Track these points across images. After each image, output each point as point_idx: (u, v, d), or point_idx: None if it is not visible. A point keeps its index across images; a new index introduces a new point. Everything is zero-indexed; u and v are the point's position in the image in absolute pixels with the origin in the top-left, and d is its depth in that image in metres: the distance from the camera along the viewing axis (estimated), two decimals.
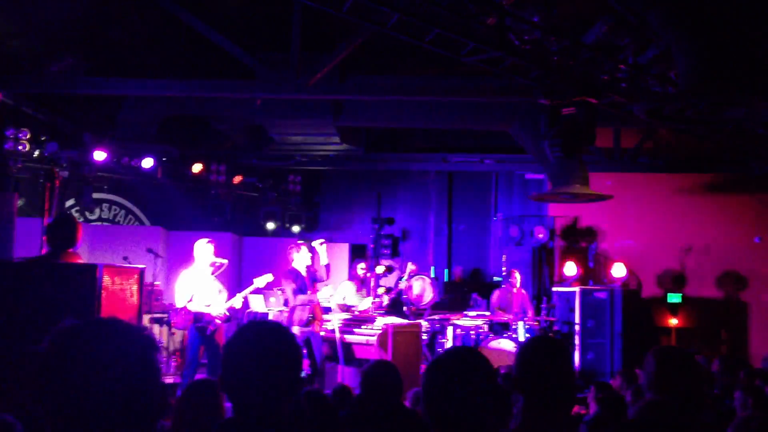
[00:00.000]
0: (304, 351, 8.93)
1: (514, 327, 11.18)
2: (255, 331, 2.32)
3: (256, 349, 2.20)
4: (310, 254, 9.38)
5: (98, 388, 1.60)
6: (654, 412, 2.97)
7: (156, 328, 10.72)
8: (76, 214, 12.20)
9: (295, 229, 15.43)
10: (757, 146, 11.69)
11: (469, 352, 2.63)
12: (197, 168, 13.39)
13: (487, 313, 12.01)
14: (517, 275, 11.89)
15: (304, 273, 9.14)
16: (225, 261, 9.05)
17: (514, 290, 11.81)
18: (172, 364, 10.47)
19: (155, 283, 10.80)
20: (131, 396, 1.63)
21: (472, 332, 11.29)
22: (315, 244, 9.49)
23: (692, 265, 13.63)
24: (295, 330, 8.74)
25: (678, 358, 3.28)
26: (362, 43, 9.59)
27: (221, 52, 9.99)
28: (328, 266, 9.47)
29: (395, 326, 9.67)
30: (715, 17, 7.16)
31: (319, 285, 9.45)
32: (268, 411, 2.15)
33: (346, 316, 10.03)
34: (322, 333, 9.34)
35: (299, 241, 9.82)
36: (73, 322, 1.68)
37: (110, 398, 1.61)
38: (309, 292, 9.04)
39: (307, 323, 8.93)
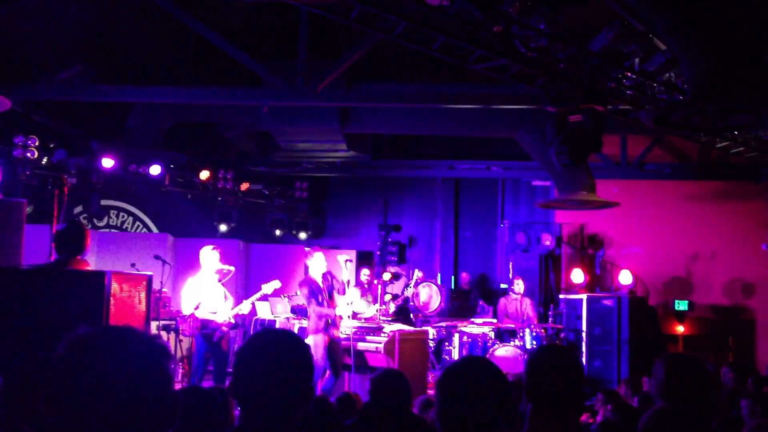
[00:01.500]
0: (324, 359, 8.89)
1: (520, 334, 11.17)
2: (267, 339, 2.31)
3: (268, 358, 2.20)
4: (325, 263, 9.28)
5: (112, 395, 1.61)
6: (664, 421, 2.96)
7: (163, 335, 10.73)
8: (84, 221, 12.24)
9: (302, 235, 15.45)
10: (764, 153, 11.66)
11: (484, 361, 2.64)
12: (204, 175, 13.43)
13: (494, 320, 12.00)
14: (520, 283, 11.88)
15: (320, 281, 9.05)
16: (232, 268, 9.06)
17: (518, 298, 11.80)
18: (180, 371, 10.48)
19: (163, 290, 10.82)
20: (145, 403, 1.64)
21: (478, 339, 11.28)
22: (340, 259, 9.45)
23: (699, 272, 13.59)
24: (317, 339, 8.72)
25: (688, 365, 3.27)
26: (369, 51, 9.63)
27: (229, 60, 10.03)
28: (346, 282, 9.41)
29: (402, 333, 9.66)
30: (721, 24, 7.16)
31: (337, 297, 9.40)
32: (278, 419, 2.15)
33: (354, 323, 10.02)
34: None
35: (307, 248, 9.80)
36: (87, 330, 1.69)
37: (124, 405, 1.62)
38: (325, 303, 8.95)
39: (326, 329, 8.88)
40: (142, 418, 1.63)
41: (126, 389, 1.62)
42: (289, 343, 2.27)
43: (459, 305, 13.94)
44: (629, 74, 8.99)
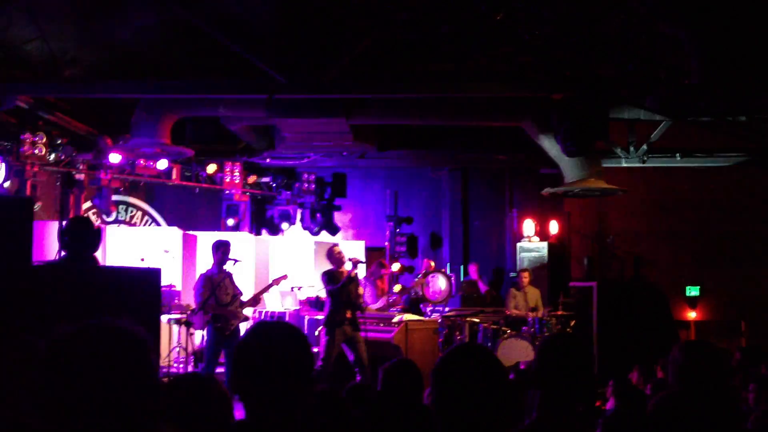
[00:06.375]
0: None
1: (531, 323, 11.17)
2: (265, 332, 2.31)
3: (267, 350, 2.20)
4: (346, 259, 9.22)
5: (95, 390, 1.65)
6: (672, 405, 2.95)
7: (174, 329, 10.77)
8: (93, 217, 12.26)
9: (310, 228, 15.41)
10: None
11: (476, 348, 2.64)
12: (211, 168, 13.44)
13: (504, 310, 12.00)
14: (527, 273, 11.94)
15: (338, 276, 9.00)
16: (241, 261, 9.08)
17: (526, 287, 11.81)
18: (191, 364, 10.51)
19: (172, 284, 10.86)
20: (127, 396, 1.68)
21: (489, 329, 11.28)
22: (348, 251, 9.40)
23: (711, 257, 13.52)
24: (327, 335, 8.71)
25: (707, 352, 3.25)
26: (374, 41, 9.59)
27: (233, 53, 10.00)
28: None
29: (412, 323, 9.67)
30: (730, 7, 7.10)
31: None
32: (280, 411, 2.15)
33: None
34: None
35: (316, 240, 9.80)
36: (67, 327, 1.74)
37: (106, 400, 1.66)
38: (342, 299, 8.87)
39: (338, 326, 8.81)
40: (125, 411, 1.67)
41: (107, 383, 1.66)
42: (287, 334, 2.26)
43: (469, 295, 13.92)
44: (635, 60, 8.94)
